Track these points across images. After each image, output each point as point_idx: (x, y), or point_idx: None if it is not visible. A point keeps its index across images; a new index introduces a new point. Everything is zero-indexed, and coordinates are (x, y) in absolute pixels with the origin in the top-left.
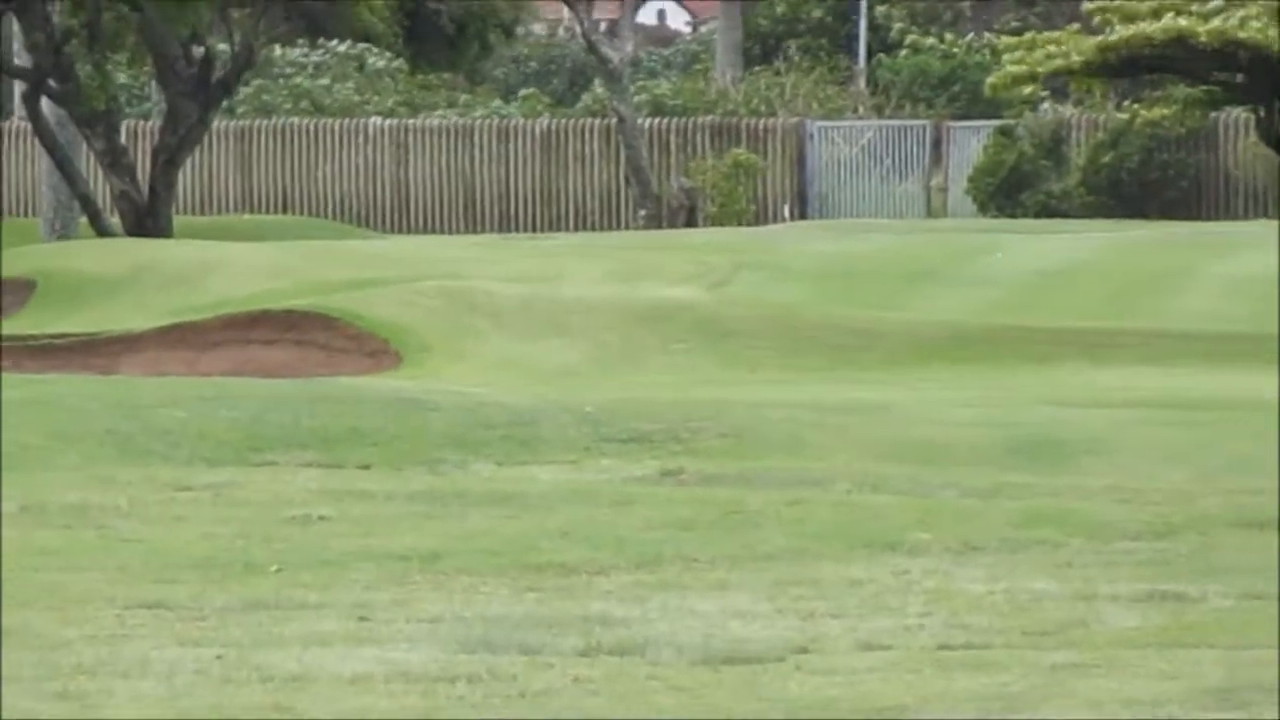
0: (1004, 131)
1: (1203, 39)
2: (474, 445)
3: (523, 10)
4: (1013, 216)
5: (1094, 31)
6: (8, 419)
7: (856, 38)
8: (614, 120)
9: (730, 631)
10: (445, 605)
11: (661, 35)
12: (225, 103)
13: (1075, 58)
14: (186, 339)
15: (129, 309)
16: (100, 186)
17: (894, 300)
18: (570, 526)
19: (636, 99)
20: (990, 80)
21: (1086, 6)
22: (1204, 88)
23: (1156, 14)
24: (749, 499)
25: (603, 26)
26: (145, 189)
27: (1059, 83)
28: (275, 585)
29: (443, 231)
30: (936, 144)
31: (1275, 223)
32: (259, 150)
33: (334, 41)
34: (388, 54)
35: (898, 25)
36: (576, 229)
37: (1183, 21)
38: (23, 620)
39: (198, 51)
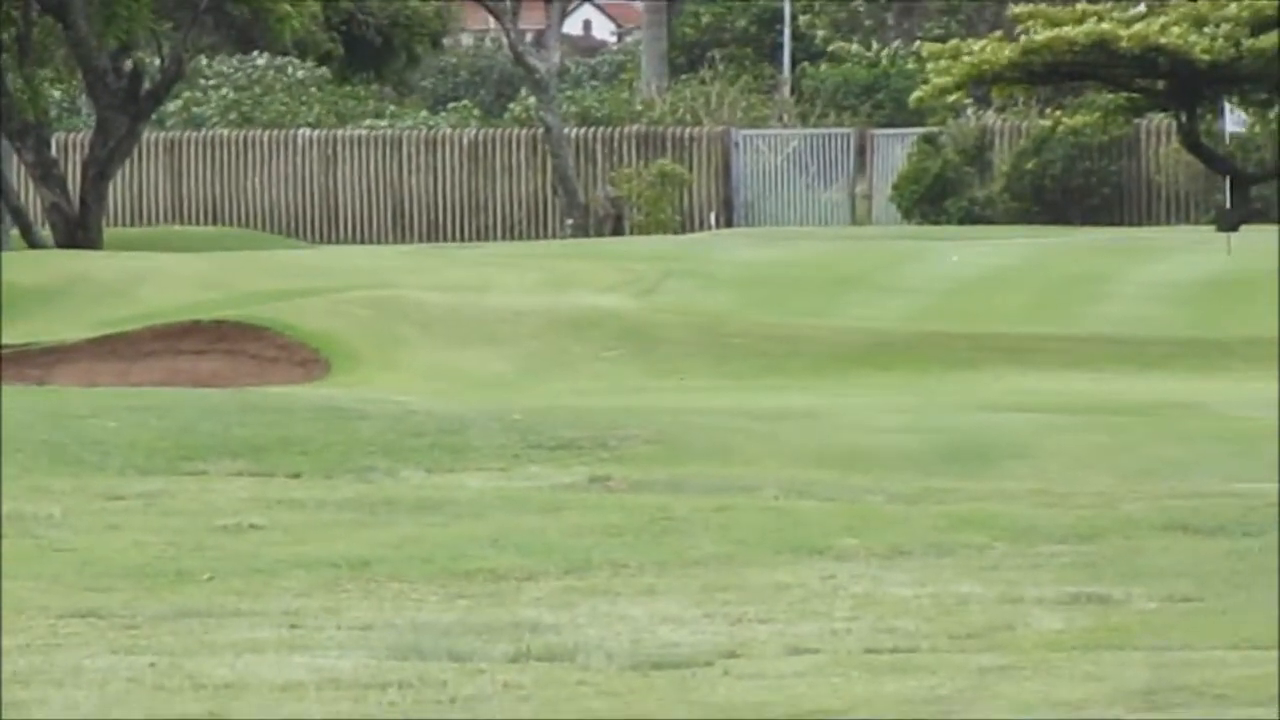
0: (928, 139)
1: (1124, 44)
2: (404, 453)
3: (450, 21)
4: (937, 223)
5: (1017, 40)
6: None
7: (781, 47)
8: (541, 130)
9: (659, 636)
10: (376, 612)
11: (587, 45)
12: (155, 115)
13: (1003, 54)
14: (118, 350)
15: (61, 320)
16: (31, 199)
17: (820, 307)
18: (500, 533)
19: (563, 109)
20: (916, 94)
21: (1011, 12)
22: (1126, 95)
23: (1079, 20)
24: (677, 505)
25: (529, 37)
26: (76, 201)
27: (982, 90)
28: (207, 593)
29: (371, 241)
30: (861, 152)
31: (1201, 228)
32: (189, 162)
33: (255, 54)
34: (310, 63)
35: (821, 34)
36: (504, 238)
37: (1105, 26)
38: None
39: (127, 65)
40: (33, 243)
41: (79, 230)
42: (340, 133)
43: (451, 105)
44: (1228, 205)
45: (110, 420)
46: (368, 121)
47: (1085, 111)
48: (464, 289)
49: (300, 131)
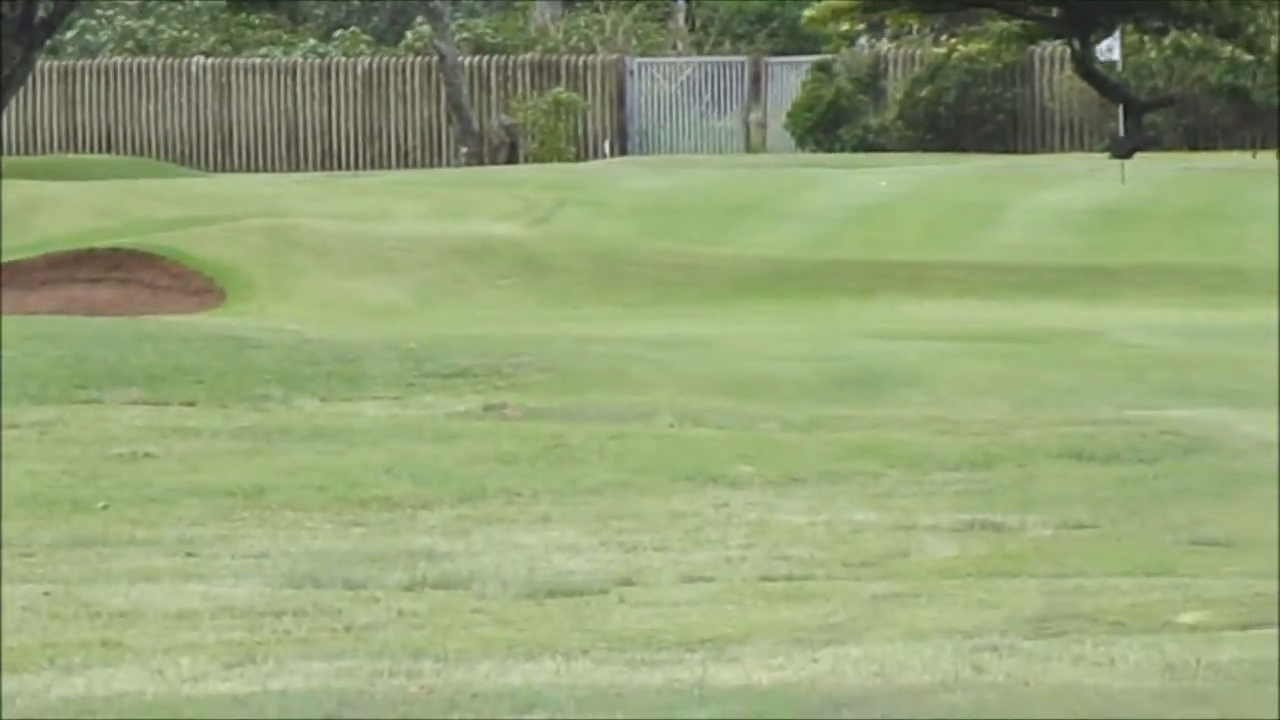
0: (822, 67)
1: None
2: (298, 382)
3: None
4: (831, 151)
5: None
6: None
7: None
8: (435, 58)
9: (554, 565)
10: (270, 540)
11: None
12: (49, 44)
13: None
14: (12, 278)
15: None
16: None
17: (715, 235)
18: (394, 462)
19: (457, 37)
20: (807, 13)
21: None
22: (1020, 22)
23: None
24: (572, 433)
25: None
26: None
27: (877, 19)
28: (102, 521)
29: (266, 170)
30: (755, 80)
31: (1095, 156)
32: (83, 90)
33: None
34: None
35: None
36: (399, 167)
37: None
38: None
39: None
40: None
41: None
42: (235, 61)
43: (339, 32)
44: (1121, 132)
45: (4, 349)
46: (262, 50)
47: (979, 39)
48: (359, 218)
49: (194, 60)
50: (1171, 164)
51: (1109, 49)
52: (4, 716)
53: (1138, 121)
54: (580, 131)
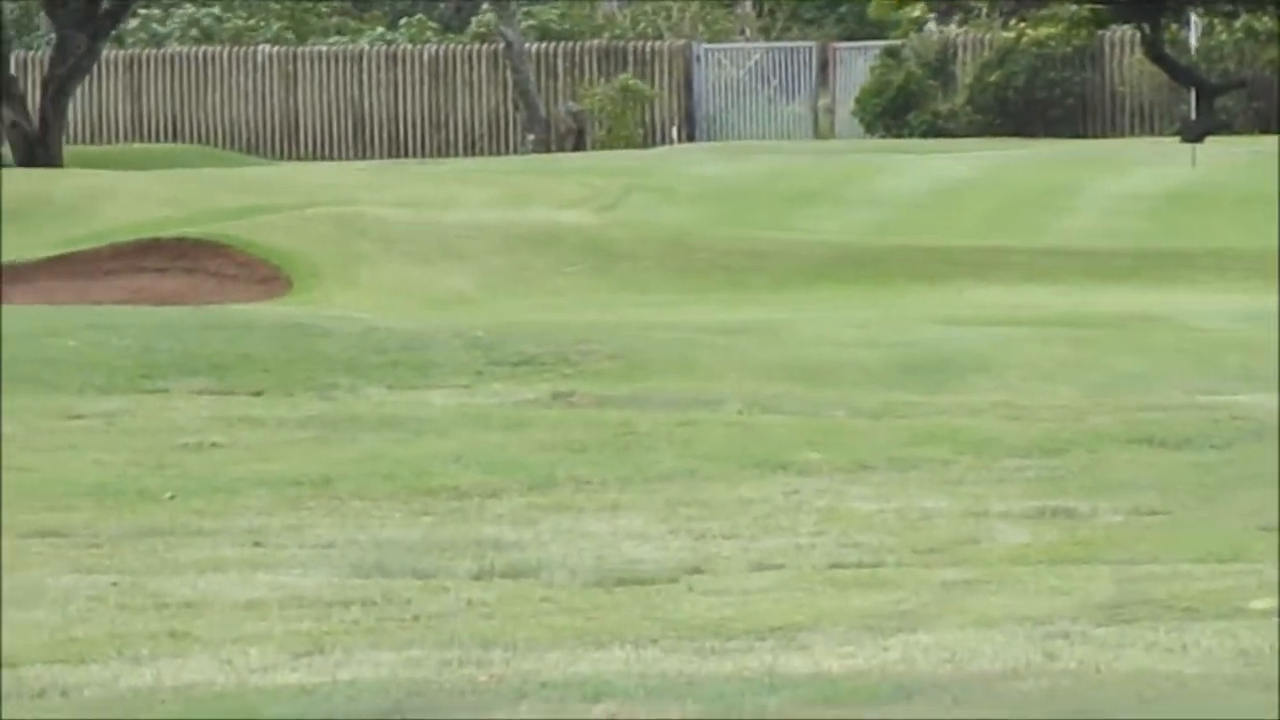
0: (890, 52)
1: None
2: (365, 370)
3: None
4: (899, 136)
5: None
6: None
7: None
8: (501, 45)
9: (623, 553)
10: (338, 530)
11: None
12: (114, 32)
13: None
14: (78, 268)
15: (20, 239)
16: None
17: (782, 221)
18: (462, 450)
19: (524, 24)
20: (873, 5)
21: None
22: (1090, 6)
23: None
24: (640, 421)
25: None
26: (35, 119)
27: (945, 3)
28: (169, 512)
29: (332, 158)
30: (823, 65)
31: (1165, 140)
32: (148, 79)
33: None
34: None
35: None
36: (465, 154)
37: None
38: None
39: None
40: None
41: (38, 148)
42: (301, 49)
43: (405, 20)
44: (1192, 116)
45: (70, 339)
46: (329, 38)
47: (1049, 23)
48: (425, 205)
49: (260, 48)
50: (1242, 147)
51: (1190, 32)
52: (74, 704)
53: (1208, 105)
54: (647, 118)
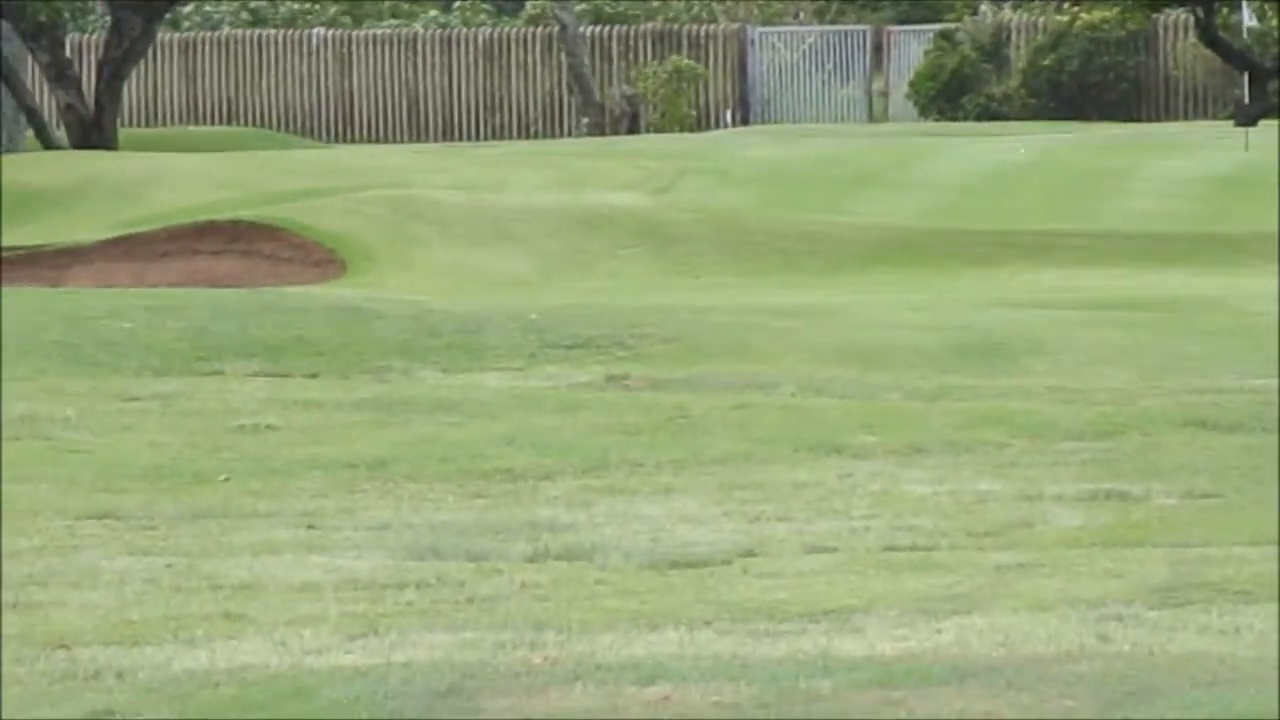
0: (945, 36)
1: None
2: (420, 353)
3: None
4: (954, 120)
5: None
6: None
7: None
8: (556, 28)
9: (677, 535)
10: (393, 512)
11: None
12: (169, 15)
13: None
14: (133, 251)
15: (76, 221)
16: (46, 100)
17: (837, 205)
18: (516, 433)
19: (578, 7)
20: None
21: None
22: None
23: None
24: (694, 404)
25: None
26: (91, 102)
27: None
28: (224, 494)
29: (386, 141)
30: (878, 49)
31: (1219, 123)
32: (203, 62)
33: None
34: None
35: None
36: (519, 137)
37: None
38: None
39: None
40: (47, 143)
41: (94, 131)
42: (355, 32)
43: (459, 2)
44: (1246, 100)
45: (126, 321)
46: (383, 21)
47: (1103, 6)
48: (480, 188)
49: (315, 31)
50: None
51: (1244, 16)
52: (129, 685)
53: (1262, 89)
54: (701, 101)
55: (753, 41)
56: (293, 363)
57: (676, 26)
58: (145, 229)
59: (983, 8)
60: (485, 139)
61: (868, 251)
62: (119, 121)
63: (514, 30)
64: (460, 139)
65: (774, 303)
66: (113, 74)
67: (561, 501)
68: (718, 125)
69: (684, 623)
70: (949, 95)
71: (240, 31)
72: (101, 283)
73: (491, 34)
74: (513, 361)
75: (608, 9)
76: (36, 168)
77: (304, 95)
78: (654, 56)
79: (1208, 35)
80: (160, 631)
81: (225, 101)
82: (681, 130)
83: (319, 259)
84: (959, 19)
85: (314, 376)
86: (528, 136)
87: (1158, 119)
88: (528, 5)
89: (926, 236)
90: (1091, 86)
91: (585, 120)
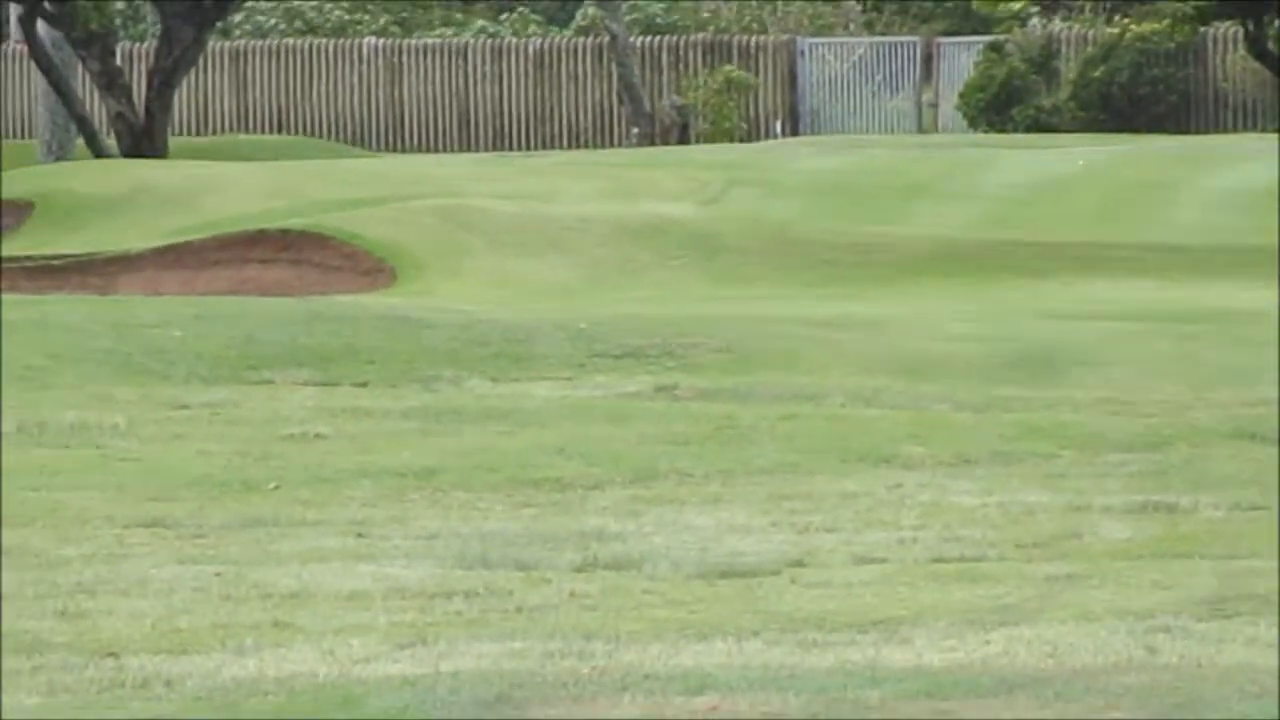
0: (994, 47)
1: None
2: (469, 362)
3: None
4: (1003, 131)
5: None
6: (5, 340)
7: None
8: (606, 39)
9: (726, 545)
10: (442, 521)
11: None
12: (219, 24)
13: None
14: (183, 259)
15: (126, 229)
16: (96, 108)
17: (886, 216)
18: (565, 442)
19: (628, 17)
20: None
21: None
22: (1193, 2)
23: None
24: (743, 414)
25: None
26: (141, 110)
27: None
28: (273, 503)
29: (437, 150)
30: (927, 60)
31: (1268, 136)
32: (254, 71)
33: None
34: None
35: None
36: (570, 147)
37: None
38: (22, 539)
39: None
40: (98, 152)
41: (144, 139)
42: (406, 42)
43: (505, 15)
44: None
45: (175, 329)
46: (433, 30)
47: (1152, 19)
48: (530, 198)
49: (365, 41)
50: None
51: None
52: (177, 694)
53: None
54: (751, 112)
55: (803, 52)
56: (342, 371)
57: (727, 37)
58: (195, 237)
59: (1032, 20)
60: (536, 149)
61: (917, 262)
62: (169, 130)
63: (564, 40)
64: (511, 149)
65: (823, 313)
66: (163, 82)
67: (610, 511)
68: (767, 135)
69: (732, 633)
70: (998, 107)
71: (291, 40)
72: (151, 291)
73: (542, 44)
74: (562, 371)
75: (658, 19)
76: (87, 176)
77: (354, 104)
78: (704, 67)
79: (1257, 48)
80: (209, 640)
81: (276, 110)
82: (731, 140)
83: (368, 268)
84: (1009, 31)
85: (363, 385)
86: (578, 146)
87: (1207, 131)
88: (578, 15)
89: (975, 248)
90: (1141, 99)
91: (635, 130)
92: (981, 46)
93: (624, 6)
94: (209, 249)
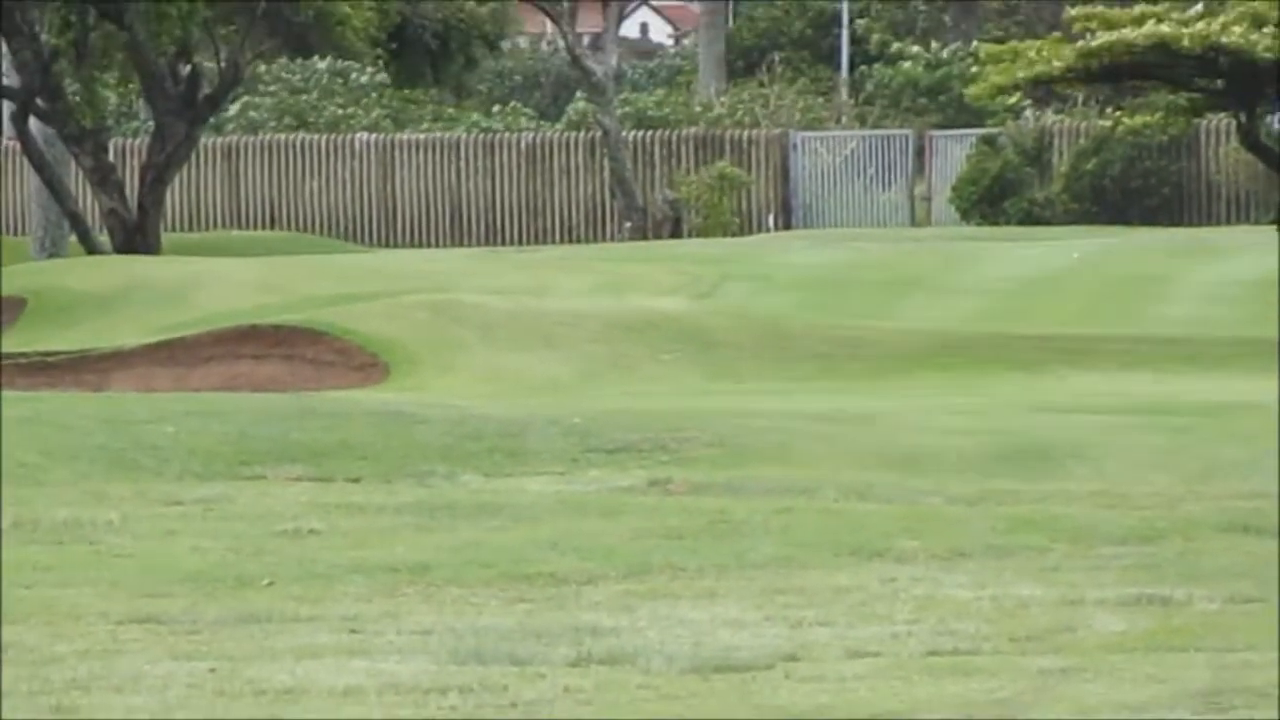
0: (987, 140)
1: (1185, 45)
2: (462, 457)
3: (507, 24)
4: (996, 224)
5: (1075, 40)
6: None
7: (838, 49)
8: (598, 133)
9: (720, 640)
10: (436, 617)
11: (644, 48)
12: (212, 120)
13: (1057, 64)
14: (176, 355)
15: (119, 326)
16: (89, 204)
17: (879, 309)
18: (559, 537)
19: (620, 111)
20: (971, 90)
21: (1068, 14)
22: (1186, 95)
23: (1138, 21)
24: (737, 508)
25: (586, 40)
26: (134, 206)
27: (1041, 91)
28: (267, 599)
29: (429, 245)
30: (920, 153)
31: (1262, 228)
32: (246, 166)
33: (315, 58)
34: (370, 69)
35: (876, 36)
36: (562, 241)
37: (1164, 28)
38: (16, 635)
39: (184, 69)
40: (90, 248)
41: (137, 235)
42: (398, 136)
43: (497, 109)
44: None
45: (168, 425)
46: (425, 125)
47: (1145, 111)
48: (522, 292)
49: (358, 136)
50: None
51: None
52: None
53: None
54: (744, 205)
55: (795, 146)
56: (335, 467)
57: (719, 131)
58: (188, 333)
59: (1025, 112)
60: (528, 243)
61: (910, 356)
62: (162, 226)
63: (556, 135)
64: (503, 243)
65: (816, 407)
66: (156, 178)
67: (604, 606)
68: (760, 229)
69: None
70: (991, 199)
71: (283, 136)
72: (144, 387)
73: (534, 138)
74: (555, 465)
75: (650, 113)
76: (80, 273)
77: (347, 199)
78: (696, 161)
79: (1249, 139)
80: None
81: (268, 205)
82: (724, 234)
83: (361, 363)
84: (1002, 123)
85: (356, 480)
86: (570, 240)
87: (1200, 223)
88: (569, 110)
89: (968, 341)
90: (1133, 191)
91: (628, 224)
92: (974, 139)
93: (616, 100)
94: (202, 344)
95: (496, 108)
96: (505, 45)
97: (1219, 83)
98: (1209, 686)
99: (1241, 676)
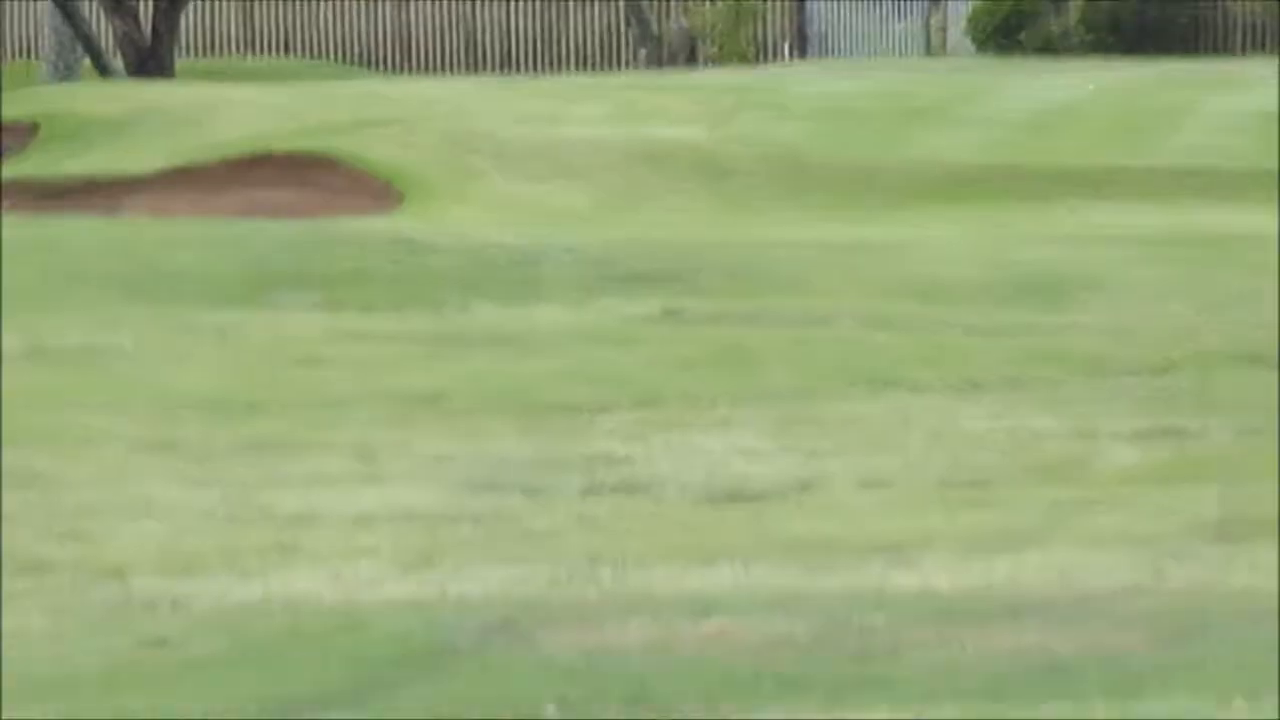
0: None
1: None
2: (476, 286)
3: None
4: (1011, 55)
5: None
6: (10, 261)
7: None
8: None
9: (733, 469)
10: (448, 445)
11: None
12: None
13: None
14: (190, 181)
15: (132, 151)
16: (102, 28)
17: (894, 140)
18: (572, 366)
19: None
20: None
21: None
22: None
23: None
24: (751, 338)
25: None
26: (148, 31)
27: None
28: (279, 425)
29: (444, 73)
30: None
31: (1274, 59)
32: None
33: None
34: None
35: None
36: (577, 70)
37: None
38: (26, 461)
39: None
40: (103, 72)
41: (150, 60)
42: None
43: None
44: None
45: (182, 252)
46: None
47: None
48: (537, 121)
49: None
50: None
51: None
52: (182, 616)
53: None
54: (759, 35)
55: None
56: (348, 295)
57: None
58: (202, 159)
59: None
60: (543, 71)
61: (927, 187)
62: (176, 51)
63: None
64: (518, 71)
65: (831, 237)
66: (170, 3)
67: (617, 435)
68: (775, 59)
69: (739, 557)
70: (1007, 30)
71: None
72: (157, 213)
73: None
74: (569, 295)
75: None
76: (93, 97)
77: (362, 26)
78: None
79: None
80: (214, 562)
81: (283, 31)
82: (739, 64)
83: (376, 191)
84: None
85: (369, 309)
86: (585, 69)
87: (1216, 55)
88: None
89: (984, 172)
90: (1150, 22)
91: (643, 53)
92: None
93: None
94: (216, 171)
95: None
96: None
97: None
98: (1221, 518)
99: (1254, 508)
